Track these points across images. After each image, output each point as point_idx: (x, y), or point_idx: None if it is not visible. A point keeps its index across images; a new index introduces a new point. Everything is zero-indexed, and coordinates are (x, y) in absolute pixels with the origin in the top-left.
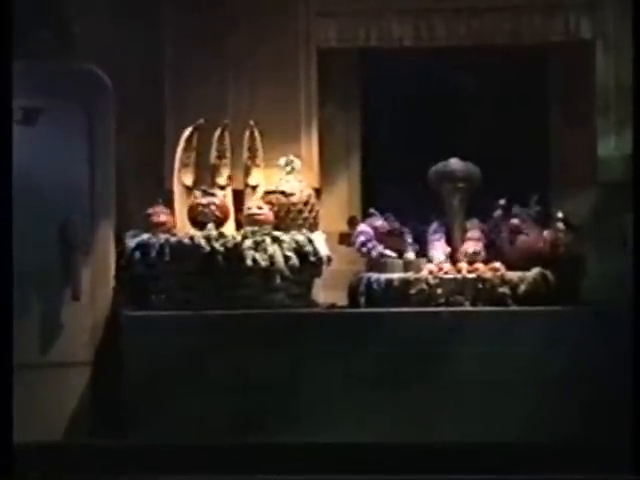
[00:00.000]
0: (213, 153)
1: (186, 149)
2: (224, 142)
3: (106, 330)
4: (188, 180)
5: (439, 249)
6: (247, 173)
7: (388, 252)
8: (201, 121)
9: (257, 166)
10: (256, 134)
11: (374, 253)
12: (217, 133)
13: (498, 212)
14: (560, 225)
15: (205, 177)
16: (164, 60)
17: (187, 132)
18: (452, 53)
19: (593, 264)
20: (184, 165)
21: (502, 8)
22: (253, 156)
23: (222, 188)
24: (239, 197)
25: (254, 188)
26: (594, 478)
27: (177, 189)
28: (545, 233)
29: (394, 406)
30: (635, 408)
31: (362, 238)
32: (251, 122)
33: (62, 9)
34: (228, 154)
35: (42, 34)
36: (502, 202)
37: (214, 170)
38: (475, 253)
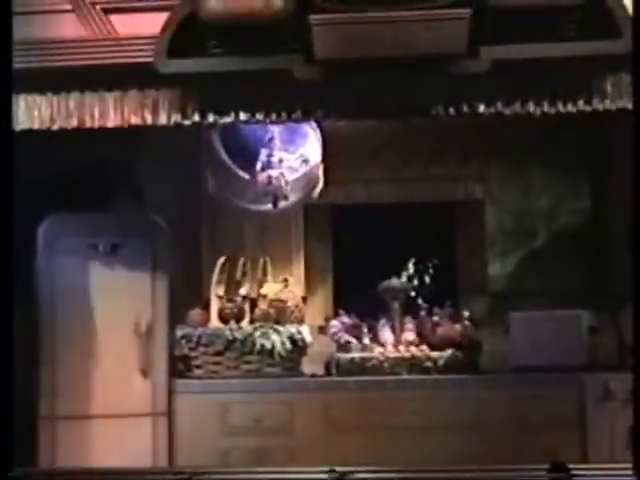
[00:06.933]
0: (238, 273)
1: (220, 272)
2: (245, 267)
3: (163, 391)
4: (220, 292)
5: (387, 336)
6: (260, 286)
7: (351, 339)
8: (226, 256)
9: (266, 282)
10: (268, 262)
11: (342, 340)
12: (240, 262)
13: (423, 313)
14: (467, 322)
15: (232, 289)
16: (202, 212)
17: (221, 261)
18: (391, 209)
19: (487, 346)
20: (218, 282)
21: (422, 178)
22: (264, 275)
23: (244, 298)
24: (254, 303)
25: (264, 296)
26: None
27: (213, 298)
28: (456, 326)
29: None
30: (635, 408)
31: (333, 330)
32: (265, 257)
33: (134, 181)
34: (247, 274)
35: (123, 197)
36: (426, 306)
37: (238, 285)
38: (412, 341)
